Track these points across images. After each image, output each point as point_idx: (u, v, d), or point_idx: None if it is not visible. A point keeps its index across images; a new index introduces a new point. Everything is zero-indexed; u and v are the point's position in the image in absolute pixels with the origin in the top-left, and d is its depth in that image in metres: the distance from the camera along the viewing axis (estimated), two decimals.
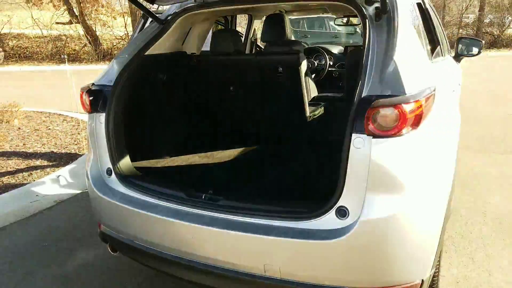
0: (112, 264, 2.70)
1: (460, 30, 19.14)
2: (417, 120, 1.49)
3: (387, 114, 1.45)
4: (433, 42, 2.68)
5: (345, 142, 1.49)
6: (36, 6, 18.37)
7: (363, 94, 1.51)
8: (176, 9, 2.36)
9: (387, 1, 1.70)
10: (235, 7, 2.28)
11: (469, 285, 2.47)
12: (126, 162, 2.08)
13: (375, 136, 1.46)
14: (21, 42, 19.44)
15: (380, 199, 1.48)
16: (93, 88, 2.09)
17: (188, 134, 2.68)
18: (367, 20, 1.73)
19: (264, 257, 1.61)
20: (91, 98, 2.05)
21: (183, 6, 2.33)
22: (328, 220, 1.55)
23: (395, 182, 1.47)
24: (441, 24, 3.74)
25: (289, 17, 6.25)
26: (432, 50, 2.38)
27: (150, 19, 2.63)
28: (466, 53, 3.74)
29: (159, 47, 2.35)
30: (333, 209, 1.54)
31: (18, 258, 2.82)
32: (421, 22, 2.30)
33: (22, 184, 3.87)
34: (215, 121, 2.80)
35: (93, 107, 2.06)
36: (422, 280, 1.67)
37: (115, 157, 2.03)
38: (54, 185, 3.96)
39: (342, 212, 1.54)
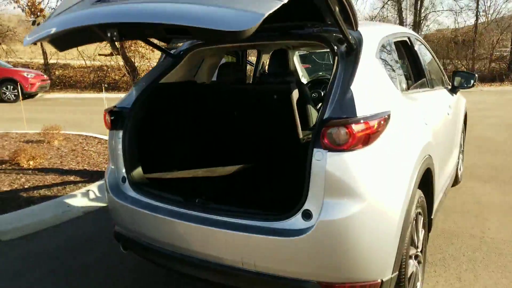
0: (127, 263, 3.04)
1: (492, 64, 19.02)
2: (367, 138, 1.77)
3: (339, 132, 1.75)
4: (417, 75, 2.96)
5: (308, 156, 1.79)
6: None
7: (325, 116, 1.82)
8: (188, 45, 2.78)
9: (351, 42, 2.02)
10: (236, 44, 2.66)
11: None
12: (138, 171, 2.45)
13: (330, 150, 1.76)
14: (66, 71, 21.01)
15: (335, 203, 1.76)
16: (114, 109, 2.50)
17: (195, 152, 3.05)
18: (337, 57, 2.05)
19: (242, 252, 1.90)
20: (112, 117, 2.46)
21: (194, 43, 2.74)
22: (296, 221, 1.83)
23: (347, 189, 1.75)
24: (436, 59, 4.00)
25: (316, 51, 6.56)
26: (412, 82, 2.65)
27: None
28: (465, 85, 3.96)
29: (172, 77, 2.75)
30: (299, 212, 1.83)
31: (46, 258, 3.21)
32: (397, 58, 2.58)
33: (56, 196, 4.32)
34: (219, 141, 3.16)
35: (113, 125, 2.46)
36: (382, 280, 1.89)
37: (129, 167, 2.41)
38: (84, 198, 4.39)
39: (307, 215, 1.81)
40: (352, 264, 1.80)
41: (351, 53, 2.07)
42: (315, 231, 1.76)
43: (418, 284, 2.51)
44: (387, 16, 24.32)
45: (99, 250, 3.30)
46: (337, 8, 1.79)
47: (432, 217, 2.79)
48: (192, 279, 2.26)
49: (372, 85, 2.03)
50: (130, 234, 2.39)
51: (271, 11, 1.40)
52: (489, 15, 21.41)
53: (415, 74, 3.14)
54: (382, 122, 1.87)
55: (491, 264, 3.04)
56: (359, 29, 2.19)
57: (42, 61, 22.01)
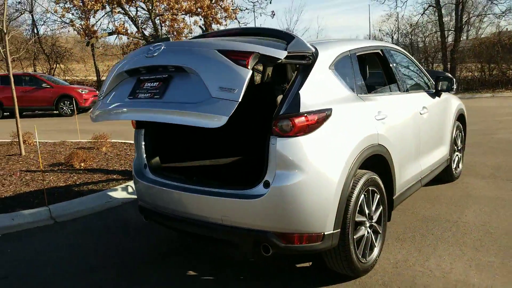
0: (152, 236, 3.85)
1: None
2: (307, 128, 2.46)
3: (285, 123, 2.45)
4: (388, 81, 3.61)
5: (266, 141, 2.50)
6: None
7: (280, 113, 2.52)
8: None
9: (305, 62, 2.68)
10: None
11: (405, 265, 3.16)
12: (156, 160, 3.25)
13: (280, 136, 2.46)
14: None
15: (284, 174, 2.45)
16: None
17: (203, 145, 3.82)
18: (297, 70, 2.75)
19: (222, 211, 2.63)
20: None
21: None
22: (259, 189, 2.53)
23: (292, 164, 2.44)
24: (419, 67, 4.57)
25: None
26: (379, 87, 3.30)
27: None
28: (451, 88, 4.48)
29: None
30: (261, 183, 2.53)
31: (91, 232, 4.11)
32: (358, 68, 3.21)
33: (101, 190, 5.26)
34: (223, 138, 3.92)
35: (138, 125, 3.29)
36: (324, 233, 2.55)
37: (149, 157, 3.22)
38: (123, 192, 5.30)
39: (267, 184, 2.51)
40: (299, 219, 2.48)
41: (308, 67, 2.77)
42: (269, 194, 2.46)
43: (375, 249, 3.09)
44: (428, 22, 24.18)
45: (130, 226, 4.16)
46: (282, 60, 2.50)
47: (393, 198, 3.36)
48: (190, 235, 3.01)
49: (318, 89, 2.70)
50: (149, 206, 3.18)
51: (232, 111, 2.22)
52: None
53: (385, 80, 3.75)
54: (322, 116, 2.55)
55: (452, 241, 3.53)
56: (318, 47, 2.89)
57: (95, 78, 24.06)
